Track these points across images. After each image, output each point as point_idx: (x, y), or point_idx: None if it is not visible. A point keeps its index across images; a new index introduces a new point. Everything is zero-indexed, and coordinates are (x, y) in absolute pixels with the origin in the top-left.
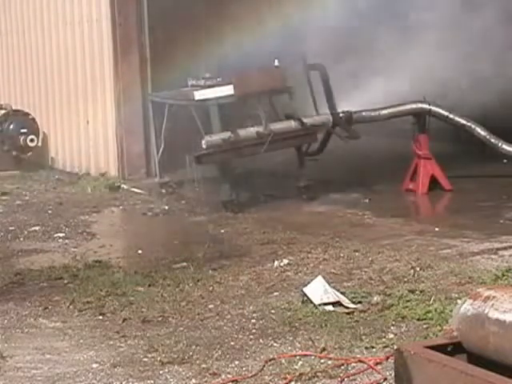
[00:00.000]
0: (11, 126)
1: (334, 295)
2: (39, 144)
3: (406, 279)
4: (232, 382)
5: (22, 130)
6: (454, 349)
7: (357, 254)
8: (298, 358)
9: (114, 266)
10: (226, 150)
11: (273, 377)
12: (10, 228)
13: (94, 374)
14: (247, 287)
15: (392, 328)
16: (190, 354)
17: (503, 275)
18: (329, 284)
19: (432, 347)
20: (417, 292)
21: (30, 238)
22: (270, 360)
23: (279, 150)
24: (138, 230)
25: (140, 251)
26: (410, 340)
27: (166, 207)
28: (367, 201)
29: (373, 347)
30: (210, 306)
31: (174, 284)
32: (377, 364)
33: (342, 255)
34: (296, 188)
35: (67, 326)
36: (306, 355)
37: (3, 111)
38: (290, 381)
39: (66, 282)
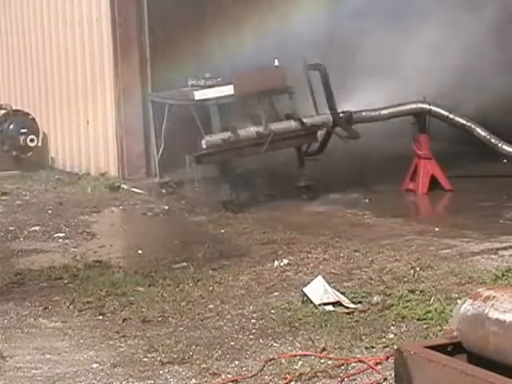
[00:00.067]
0: (11, 126)
1: (333, 295)
2: (39, 144)
3: (406, 279)
4: (232, 382)
5: (22, 130)
6: (453, 349)
7: (357, 253)
8: (298, 358)
9: (114, 265)
10: (225, 150)
11: (273, 377)
12: (10, 228)
13: (93, 374)
14: (247, 287)
15: (392, 328)
16: (190, 353)
17: (503, 275)
18: (329, 284)
19: (432, 347)
20: (417, 292)
21: (29, 238)
22: (270, 360)
23: (279, 150)
24: (137, 230)
25: (140, 251)
26: (410, 340)
27: (166, 207)
28: (367, 201)
29: (373, 347)
30: (210, 306)
31: (174, 284)
32: (377, 364)
33: (342, 255)
34: (296, 188)
35: (67, 326)
36: (306, 355)
37: (3, 111)
38: (290, 381)
39: (66, 282)
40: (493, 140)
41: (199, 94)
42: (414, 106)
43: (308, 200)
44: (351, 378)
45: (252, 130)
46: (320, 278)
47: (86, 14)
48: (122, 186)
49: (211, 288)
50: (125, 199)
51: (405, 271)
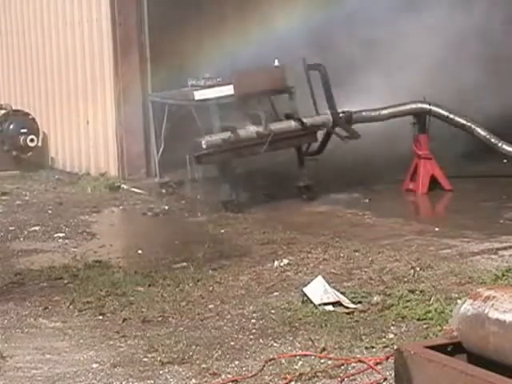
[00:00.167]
0: (11, 126)
1: (333, 295)
2: (39, 144)
3: (406, 279)
4: (232, 382)
5: (22, 130)
6: (453, 349)
7: (357, 253)
8: (298, 357)
9: (114, 266)
10: (225, 150)
11: (273, 377)
12: (10, 228)
13: (94, 374)
14: (247, 287)
15: (392, 328)
16: (190, 353)
17: (503, 275)
18: (329, 284)
19: (432, 347)
20: (417, 292)
21: (29, 238)
22: (270, 360)
23: (279, 150)
24: (137, 230)
25: (140, 251)
26: (410, 340)
27: (166, 207)
28: (367, 201)
29: (373, 347)
30: (210, 306)
31: (174, 284)
32: (377, 364)
33: (342, 255)
34: (296, 188)
35: (67, 326)
36: (306, 355)
37: (3, 111)
38: (290, 381)
39: (66, 281)
40: (493, 140)
41: (199, 94)
42: (413, 105)
43: (308, 200)
44: (351, 378)
45: (252, 129)
46: (320, 278)
47: (85, 14)
48: (122, 185)
49: (211, 288)
50: (125, 199)
51: (405, 271)
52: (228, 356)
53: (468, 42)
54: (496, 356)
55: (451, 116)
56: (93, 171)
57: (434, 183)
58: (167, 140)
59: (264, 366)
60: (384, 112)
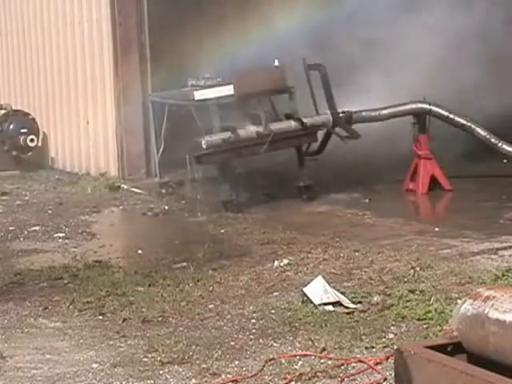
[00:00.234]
0: (11, 126)
1: (334, 295)
2: (39, 144)
3: (406, 279)
4: (232, 382)
5: (22, 130)
6: (453, 349)
7: (357, 253)
8: (298, 358)
9: (114, 266)
10: (225, 150)
11: (273, 377)
12: (10, 228)
13: (93, 374)
14: (247, 287)
15: (392, 328)
16: (190, 353)
17: (503, 275)
18: (329, 284)
19: (432, 347)
20: (417, 292)
21: (29, 238)
22: (270, 360)
23: (279, 150)
24: (137, 230)
25: (140, 251)
26: (410, 340)
27: (166, 207)
28: (367, 201)
29: (373, 347)
30: (210, 306)
31: (174, 284)
32: (377, 364)
33: (342, 255)
34: (296, 188)
35: (67, 326)
36: (306, 355)
37: (3, 111)
38: (290, 381)
39: (66, 281)
40: (493, 140)
41: (199, 94)
42: (413, 105)
43: (308, 200)
44: (351, 378)
45: (252, 129)
46: (320, 278)
47: (85, 13)
48: (122, 186)
49: (211, 288)
50: (125, 199)
51: (405, 271)
52: (228, 356)
53: (468, 42)
54: (496, 356)
55: (451, 116)
56: (93, 171)
57: (434, 183)
58: (167, 140)
59: (264, 365)
60: (384, 112)
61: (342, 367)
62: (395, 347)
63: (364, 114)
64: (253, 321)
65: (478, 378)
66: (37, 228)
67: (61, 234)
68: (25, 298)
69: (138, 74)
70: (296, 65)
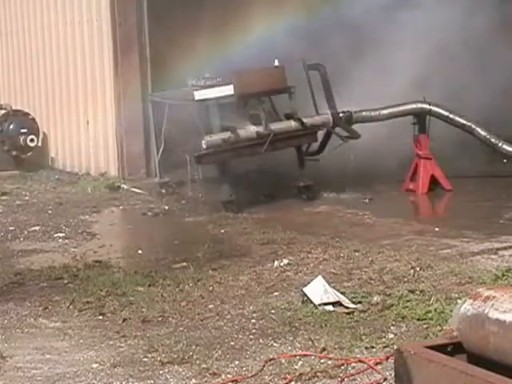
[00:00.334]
0: (11, 126)
1: (334, 295)
2: (39, 144)
3: (406, 279)
4: (232, 382)
5: (22, 130)
6: (453, 349)
7: (357, 253)
8: (298, 358)
9: (114, 266)
10: (225, 150)
11: (273, 377)
12: (10, 228)
13: (93, 374)
14: (247, 287)
15: (392, 328)
16: (190, 354)
17: (503, 275)
18: (329, 284)
19: (432, 347)
20: (417, 292)
21: (29, 238)
22: (270, 360)
23: (279, 150)
24: (137, 230)
25: (140, 251)
26: (410, 340)
27: (166, 207)
28: (367, 201)
29: (373, 347)
30: (210, 306)
31: (174, 284)
32: (377, 364)
33: (342, 255)
34: (296, 188)
35: (67, 326)
36: (306, 355)
37: (3, 111)
38: (290, 381)
39: (66, 282)
40: (493, 140)
41: (199, 94)
42: (413, 105)
43: (308, 200)
44: (351, 378)
45: (252, 129)
46: (320, 278)
47: (85, 14)
48: (122, 186)
49: (211, 288)
50: (125, 199)
51: (405, 271)
52: (228, 356)
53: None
54: (496, 356)
55: (451, 116)
56: (93, 171)
57: (434, 183)
58: (167, 140)
59: (264, 365)
60: (384, 112)
61: (342, 367)
62: (395, 347)
63: (364, 113)
64: (253, 321)
65: (478, 378)
66: (37, 228)
67: (61, 234)
68: (25, 298)
69: (138, 74)
70: (296, 65)
